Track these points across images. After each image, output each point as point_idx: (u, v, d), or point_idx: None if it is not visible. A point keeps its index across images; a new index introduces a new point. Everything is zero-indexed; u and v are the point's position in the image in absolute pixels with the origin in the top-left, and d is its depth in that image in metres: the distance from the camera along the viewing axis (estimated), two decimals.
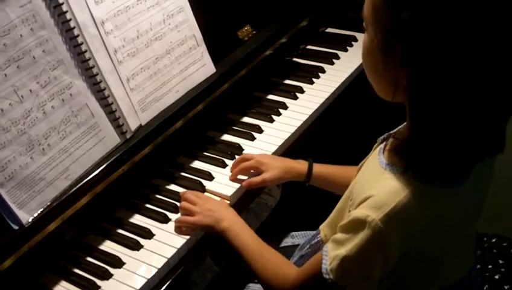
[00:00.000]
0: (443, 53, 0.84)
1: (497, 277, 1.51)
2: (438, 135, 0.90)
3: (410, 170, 0.94)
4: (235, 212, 1.33)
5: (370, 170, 1.07)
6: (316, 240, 1.27)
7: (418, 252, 0.96)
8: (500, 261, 1.55)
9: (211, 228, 1.30)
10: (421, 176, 0.93)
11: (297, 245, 1.39)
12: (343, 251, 0.97)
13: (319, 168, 1.44)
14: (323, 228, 1.25)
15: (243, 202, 1.44)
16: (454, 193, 0.97)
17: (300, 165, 1.44)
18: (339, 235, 0.99)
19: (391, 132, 1.10)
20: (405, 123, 1.02)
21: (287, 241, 1.51)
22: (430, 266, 1.02)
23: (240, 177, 1.45)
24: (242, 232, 1.26)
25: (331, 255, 0.99)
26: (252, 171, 1.45)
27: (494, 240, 1.62)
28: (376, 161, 1.05)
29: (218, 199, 1.40)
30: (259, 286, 1.40)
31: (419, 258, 0.98)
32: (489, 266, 1.54)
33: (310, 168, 1.43)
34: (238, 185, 1.43)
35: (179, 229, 1.32)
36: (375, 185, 0.98)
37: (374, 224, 0.92)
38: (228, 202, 1.40)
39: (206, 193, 1.42)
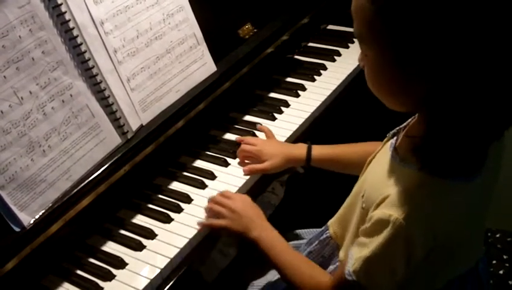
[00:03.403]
0: (458, 55, 0.82)
1: (501, 272, 1.51)
2: (457, 135, 0.88)
3: (427, 167, 0.92)
4: (264, 217, 1.30)
5: (382, 166, 1.05)
6: (324, 236, 1.27)
7: (439, 247, 0.96)
8: (505, 257, 1.55)
9: (240, 235, 1.27)
10: (439, 172, 0.92)
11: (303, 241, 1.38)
12: (366, 251, 0.97)
13: (321, 150, 1.44)
14: (332, 224, 1.25)
15: None
16: (471, 186, 0.96)
17: (300, 150, 1.45)
18: (362, 239, 0.99)
19: (401, 126, 1.09)
20: (414, 118, 1.01)
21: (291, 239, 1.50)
22: (444, 259, 1.01)
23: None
24: (274, 243, 1.23)
25: (355, 257, 0.99)
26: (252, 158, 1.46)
27: (498, 235, 1.61)
28: (387, 156, 1.04)
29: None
30: (263, 283, 1.39)
31: (437, 252, 0.97)
32: (494, 261, 1.54)
33: (309, 152, 1.43)
34: (240, 185, 1.43)
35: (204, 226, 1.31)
36: (391, 183, 0.97)
37: (398, 223, 0.92)
38: None
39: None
